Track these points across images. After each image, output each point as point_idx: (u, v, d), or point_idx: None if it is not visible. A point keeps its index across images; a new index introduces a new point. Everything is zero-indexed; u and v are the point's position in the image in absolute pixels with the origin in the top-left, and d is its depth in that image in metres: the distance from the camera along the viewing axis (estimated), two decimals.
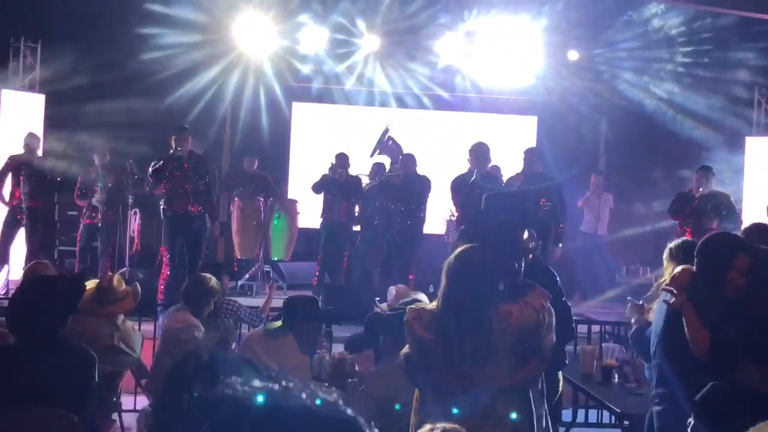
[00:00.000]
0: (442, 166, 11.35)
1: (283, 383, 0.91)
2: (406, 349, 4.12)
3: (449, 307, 3.94)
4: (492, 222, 4.52)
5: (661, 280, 4.90)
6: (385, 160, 10.70)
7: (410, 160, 10.24)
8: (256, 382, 0.89)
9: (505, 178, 9.50)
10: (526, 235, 4.71)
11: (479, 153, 9.02)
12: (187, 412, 0.91)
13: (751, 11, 9.63)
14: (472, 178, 8.90)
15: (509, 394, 4.06)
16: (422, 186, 10.07)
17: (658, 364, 4.76)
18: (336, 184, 10.47)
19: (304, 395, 0.90)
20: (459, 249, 4.07)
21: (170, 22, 10.70)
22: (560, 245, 9.11)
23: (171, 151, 9.07)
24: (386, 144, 10.47)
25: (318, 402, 0.90)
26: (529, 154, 9.28)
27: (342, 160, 10.58)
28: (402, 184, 10.04)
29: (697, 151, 12.06)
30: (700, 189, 9.12)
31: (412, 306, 4.18)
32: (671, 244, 4.97)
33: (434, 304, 4.05)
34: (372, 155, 10.65)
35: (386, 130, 10.56)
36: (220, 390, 0.88)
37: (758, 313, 3.83)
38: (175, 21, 10.73)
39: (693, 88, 11.89)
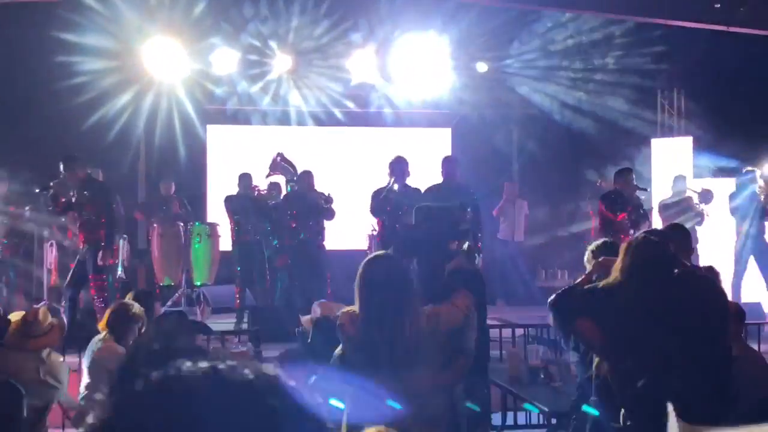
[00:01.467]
0: (359, 181, 11.44)
1: (228, 362, 0.98)
2: (339, 350, 4.19)
3: (368, 313, 4.01)
4: (420, 231, 4.67)
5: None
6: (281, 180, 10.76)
7: (307, 176, 10.32)
8: (204, 363, 0.96)
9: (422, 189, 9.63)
10: (465, 246, 4.91)
11: (396, 165, 9.19)
12: (140, 395, 0.96)
13: (644, 16, 10.02)
14: (388, 187, 9.08)
15: (439, 393, 4.18)
16: (318, 201, 10.17)
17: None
18: (247, 204, 10.51)
19: (246, 370, 0.98)
20: (367, 258, 4.16)
21: (80, 50, 10.56)
22: (481, 255, 9.27)
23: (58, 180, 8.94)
24: (278, 163, 10.56)
25: (254, 376, 0.98)
26: (449, 163, 9.34)
27: (245, 180, 10.70)
28: (299, 201, 10.12)
29: (606, 155, 12.44)
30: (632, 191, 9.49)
31: (345, 309, 4.23)
32: (591, 246, 5.16)
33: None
34: (267, 177, 10.72)
35: (278, 153, 10.67)
36: (171, 372, 0.95)
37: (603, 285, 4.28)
38: (85, 49, 10.59)
39: (598, 94, 12.27)
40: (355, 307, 4.11)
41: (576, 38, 11.79)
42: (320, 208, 10.10)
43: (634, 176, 9.60)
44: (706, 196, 11.34)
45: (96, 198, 9.11)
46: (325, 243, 10.33)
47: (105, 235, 9.13)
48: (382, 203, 9.10)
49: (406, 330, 3.96)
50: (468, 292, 4.38)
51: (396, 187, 9.09)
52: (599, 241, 5.23)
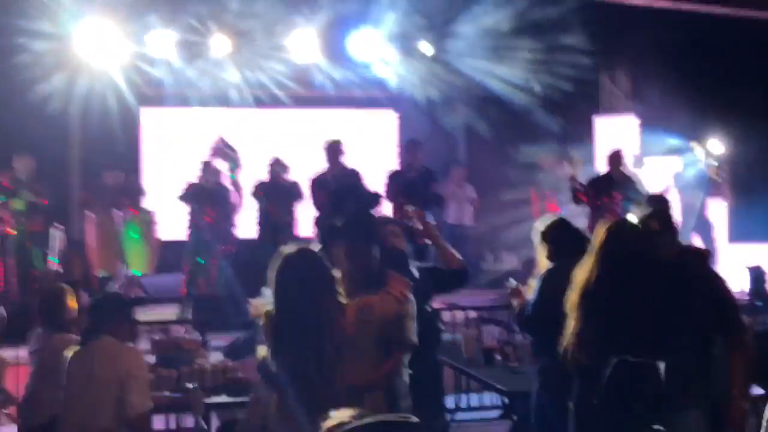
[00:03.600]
0: (303, 164, 11.19)
1: None
2: (263, 352, 3.84)
3: (285, 314, 3.67)
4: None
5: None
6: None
7: (277, 163, 10.35)
8: None
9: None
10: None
11: (332, 150, 9.06)
12: None
13: None
14: (325, 174, 8.96)
15: (375, 390, 3.94)
16: (293, 190, 10.08)
17: (533, 339, 5.02)
18: (203, 192, 10.28)
19: None
20: (278, 254, 3.81)
21: (21, 31, 10.08)
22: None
23: None
24: (219, 148, 10.47)
25: None
26: (411, 148, 9.51)
27: (207, 168, 10.48)
28: (273, 188, 10.02)
29: (550, 134, 12.42)
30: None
31: (264, 309, 3.84)
32: (540, 226, 5.03)
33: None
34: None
35: (219, 137, 10.61)
36: None
37: None
38: (16, 29, 10.11)
39: (543, 74, 12.14)
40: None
41: (520, 17, 11.65)
42: (293, 193, 10.03)
43: (623, 158, 9.78)
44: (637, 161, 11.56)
45: None
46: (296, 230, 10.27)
47: None
48: (319, 192, 8.96)
49: (327, 329, 3.64)
50: (404, 278, 4.14)
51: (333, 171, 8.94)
52: (548, 220, 5.10)
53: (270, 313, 3.72)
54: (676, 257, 4.35)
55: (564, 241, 4.86)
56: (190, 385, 5.18)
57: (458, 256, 5.20)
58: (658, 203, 5.67)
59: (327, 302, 3.66)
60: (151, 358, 5.93)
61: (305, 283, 3.63)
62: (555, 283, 4.70)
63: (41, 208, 10.13)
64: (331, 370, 3.60)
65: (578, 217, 9.93)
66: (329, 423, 2.58)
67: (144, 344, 6.47)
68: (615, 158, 10.19)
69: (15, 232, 9.90)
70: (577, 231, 5.04)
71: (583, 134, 12.66)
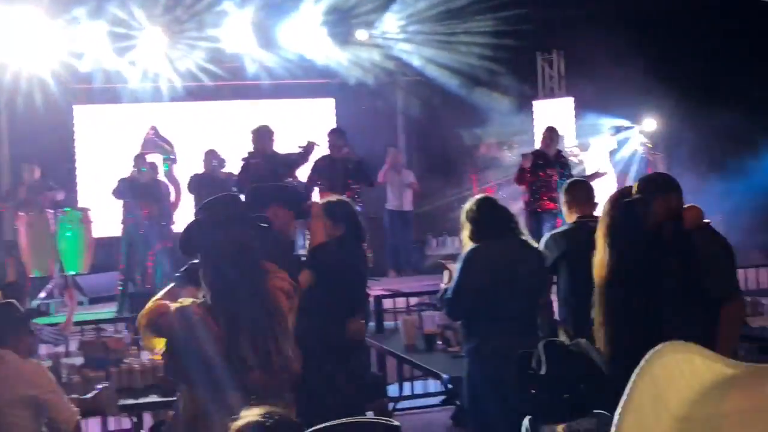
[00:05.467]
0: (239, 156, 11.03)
1: None
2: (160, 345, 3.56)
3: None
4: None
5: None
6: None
7: (213, 155, 10.20)
8: None
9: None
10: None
11: (259, 135, 8.95)
12: None
13: None
14: (254, 160, 8.84)
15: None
16: (230, 183, 9.91)
17: (460, 322, 4.99)
18: (138, 187, 10.05)
19: None
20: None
21: None
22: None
23: None
24: (151, 140, 10.26)
25: None
26: (334, 135, 9.46)
27: (140, 161, 10.25)
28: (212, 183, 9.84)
29: (489, 117, 12.40)
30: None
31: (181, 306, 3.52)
32: (466, 206, 4.90)
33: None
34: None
35: (151, 127, 10.46)
36: None
37: None
38: None
39: (479, 58, 12.08)
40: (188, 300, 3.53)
41: (455, 1, 11.57)
42: (229, 185, 9.86)
43: (556, 136, 10.06)
44: (583, 145, 11.65)
45: None
46: None
47: None
48: (243, 175, 8.83)
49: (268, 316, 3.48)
50: (282, 271, 3.71)
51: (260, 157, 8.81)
52: (473, 200, 4.95)
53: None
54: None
55: (486, 221, 4.72)
56: (99, 386, 4.96)
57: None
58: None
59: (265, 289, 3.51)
60: (80, 360, 5.76)
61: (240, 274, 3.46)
62: (475, 264, 4.63)
63: None
64: (272, 358, 3.44)
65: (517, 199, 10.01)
66: (238, 423, 2.38)
67: (73, 345, 6.29)
68: (548, 136, 10.27)
69: None
70: (503, 210, 4.83)
71: (522, 117, 12.66)
